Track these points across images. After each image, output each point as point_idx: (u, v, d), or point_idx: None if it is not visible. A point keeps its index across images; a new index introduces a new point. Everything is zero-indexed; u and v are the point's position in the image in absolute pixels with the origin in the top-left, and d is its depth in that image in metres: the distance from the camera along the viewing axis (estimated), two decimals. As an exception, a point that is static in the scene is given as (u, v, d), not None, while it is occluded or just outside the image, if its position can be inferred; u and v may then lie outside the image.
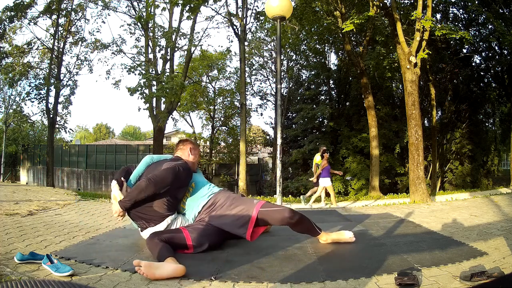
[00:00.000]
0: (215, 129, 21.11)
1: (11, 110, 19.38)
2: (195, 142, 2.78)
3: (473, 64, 14.79)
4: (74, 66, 13.11)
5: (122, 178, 2.49)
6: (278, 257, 2.20)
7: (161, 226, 2.38)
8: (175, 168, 2.37)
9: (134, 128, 52.63)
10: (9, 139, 23.61)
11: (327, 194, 7.40)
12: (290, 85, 20.50)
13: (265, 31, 18.26)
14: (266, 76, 21.70)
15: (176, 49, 11.36)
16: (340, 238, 2.49)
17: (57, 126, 13.21)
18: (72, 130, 19.09)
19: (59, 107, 12.73)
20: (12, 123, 20.65)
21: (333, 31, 12.47)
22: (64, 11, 12.15)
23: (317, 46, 17.81)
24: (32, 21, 11.70)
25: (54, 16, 12.01)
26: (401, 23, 7.04)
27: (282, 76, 19.49)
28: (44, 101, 12.59)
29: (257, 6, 20.08)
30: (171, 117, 13.05)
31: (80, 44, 12.98)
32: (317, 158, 7.50)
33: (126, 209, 2.35)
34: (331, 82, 19.02)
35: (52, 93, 12.51)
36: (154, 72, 10.77)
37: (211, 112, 20.88)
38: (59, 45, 12.64)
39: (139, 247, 2.43)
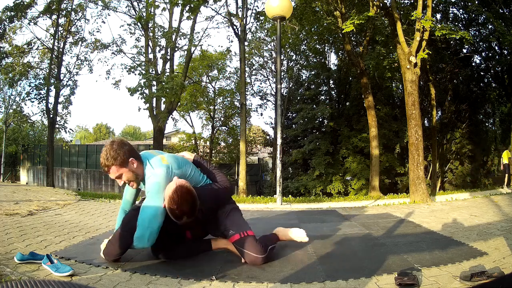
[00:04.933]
0: (215, 129, 21.08)
1: (11, 110, 19.35)
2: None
3: (473, 64, 14.83)
4: (74, 66, 13.11)
5: None
6: (278, 257, 2.20)
7: None
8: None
9: (134, 128, 52.64)
10: (9, 139, 23.58)
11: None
12: (290, 85, 20.49)
13: (265, 31, 18.22)
14: (266, 76, 21.72)
15: (176, 49, 11.35)
16: (292, 238, 2.33)
17: (57, 126, 13.20)
18: (72, 130, 19.07)
19: (59, 107, 12.74)
20: (12, 123, 20.63)
21: (333, 31, 12.45)
22: (64, 11, 12.12)
23: (317, 46, 17.80)
24: (32, 21, 11.68)
25: (54, 16, 11.98)
26: (401, 23, 7.02)
27: (282, 76, 19.48)
28: (44, 101, 12.59)
29: (257, 6, 20.02)
30: (171, 117, 13.09)
31: (80, 44, 12.97)
32: (506, 154, 10.03)
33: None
34: (331, 82, 19.02)
35: (52, 93, 12.50)
36: (154, 72, 10.76)
37: (211, 112, 20.85)
38: (59, 45, 12.63)
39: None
